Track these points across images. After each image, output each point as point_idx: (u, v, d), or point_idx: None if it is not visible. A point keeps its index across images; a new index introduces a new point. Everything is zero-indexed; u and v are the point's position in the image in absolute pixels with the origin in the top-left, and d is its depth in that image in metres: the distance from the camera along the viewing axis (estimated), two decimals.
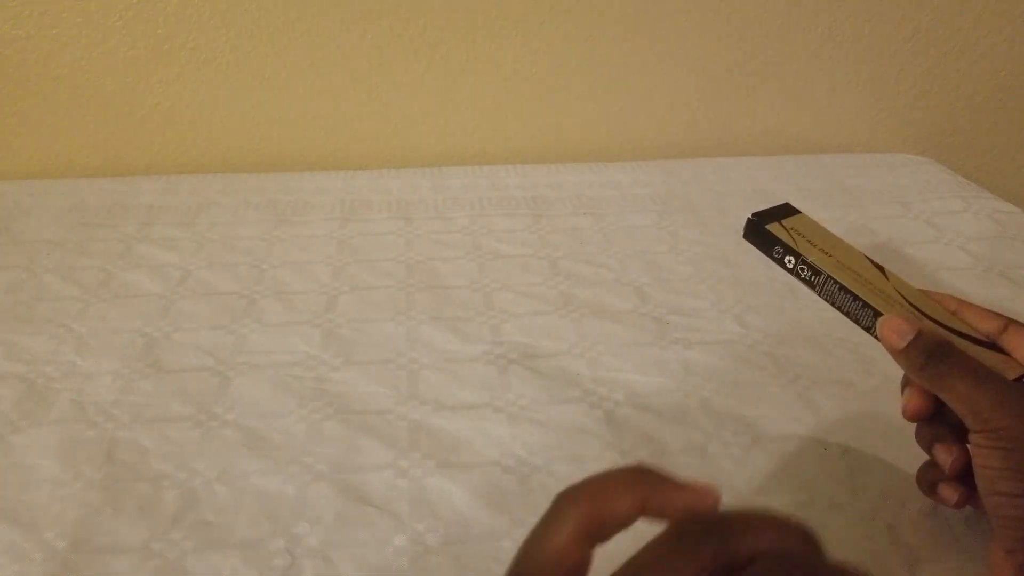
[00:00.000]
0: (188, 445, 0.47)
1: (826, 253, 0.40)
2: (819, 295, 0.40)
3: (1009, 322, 0.38)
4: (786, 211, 0.43)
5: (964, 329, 0.38)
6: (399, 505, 0.43)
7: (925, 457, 0.39)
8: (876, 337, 0.37)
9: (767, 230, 0.41)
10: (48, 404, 0.50)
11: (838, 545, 0.40)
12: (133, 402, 0.51)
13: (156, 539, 0.41)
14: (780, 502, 0.43)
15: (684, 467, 0.45)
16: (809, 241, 0.41)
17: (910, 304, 0.38)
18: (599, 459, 0.46)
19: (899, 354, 0.36)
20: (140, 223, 0.76)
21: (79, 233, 0.74)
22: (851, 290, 0.38)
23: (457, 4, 0.85)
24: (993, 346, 0.37)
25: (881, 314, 0.37)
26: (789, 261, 0.41)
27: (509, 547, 0.40)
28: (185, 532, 0.41)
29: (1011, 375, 0.35)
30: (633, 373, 0.54)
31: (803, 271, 0.40)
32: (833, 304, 0.40)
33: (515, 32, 0.88)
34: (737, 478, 0.45)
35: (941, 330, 0.37)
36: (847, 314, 0.39)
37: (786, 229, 0.42)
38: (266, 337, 0.58)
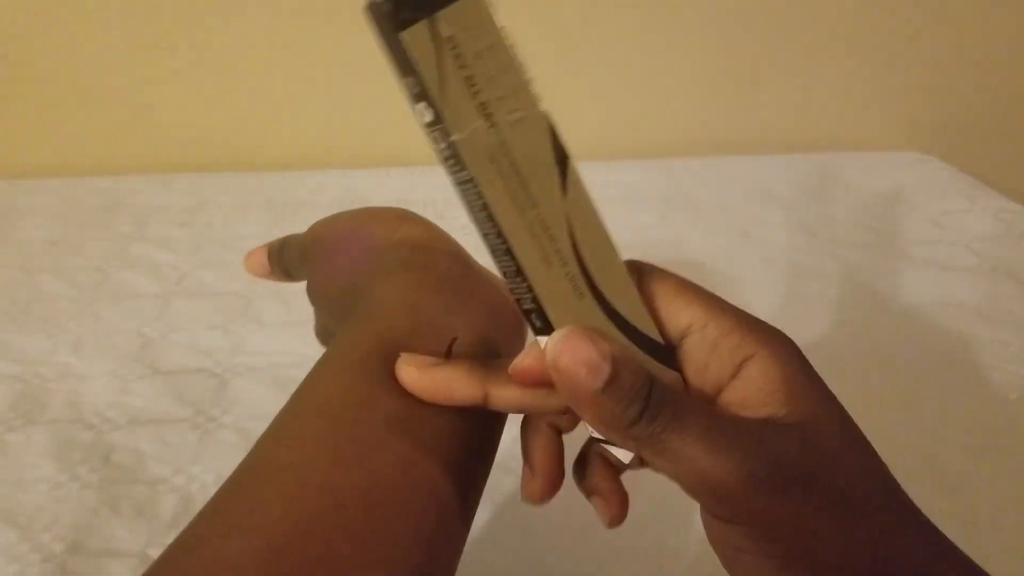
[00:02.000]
0: (185, 448, 0.46)
1: (490, 122, 0.21)
2: (457, 193, 0.22)
3: (711, 318, 0.23)
4: None
5: (638, 324, 0.23)
6: None
7: None
8: (533, 327, 0.22)
9: (400, 40, 0.20)
10: (43, 405, 0.50)
11: None
12: (129, 404, 0.50)
13: (153, 544, 0.40)
14: None
15: None
16: (469, 81, 0.20)
17: (584, 274, 0.22)
18: None
19: (589, 400, 0.21)
20: (137, 222, 0.76)
21: (75, 232, 0.73)
22: (504, 236, 0.21)
23: None
24: (663, 352, 0.23)
25: (545, 311, 0.22)
26: (425, 116, 0.21)
27: (508, 544, 0.39)
28: None
29: (747, 411, 0.22)
30: None
31: (444, 151, 0.21)
32: (477, 227, 0.22)
33: (515, 31, 0.87)
34: None
35: (638, 354, 0.23)
36: (499, 267, 0.22)
37: (439, 37, 0.20)
38: (264, 338, 0.57)
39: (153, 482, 0.44)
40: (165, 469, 0.45)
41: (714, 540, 0.22)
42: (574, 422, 0.25)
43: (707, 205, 0.80)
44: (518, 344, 0.29)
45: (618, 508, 0.25)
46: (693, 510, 0.44)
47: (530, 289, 0.22)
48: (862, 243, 0.72)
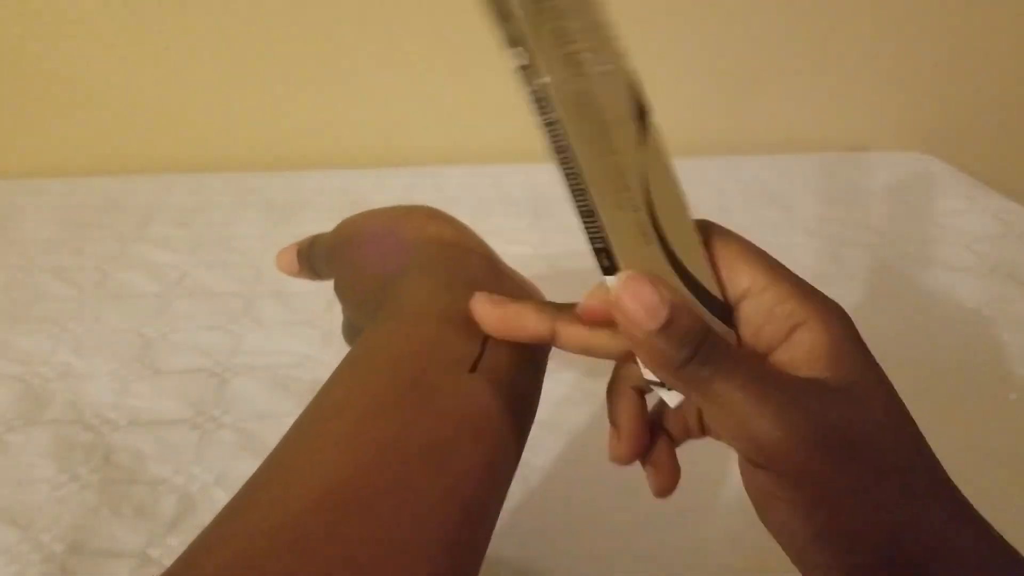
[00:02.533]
0: (185, 448, 0.46)
1: (579, 71, 0.21)
2: (542, 135, 0.22)
3: (770, 283, 0.24)
4: None
5: (700, 278, 0.24)
6: None
7: None
8: (602, 266, 0.23)
9: None
10: (43, 405, 0.50)
11: None
12: (130, 404, 0.50)
13: (153, 544, 0.40)
14: None
15: (688, 461, 0.45)
16: (562, 31, 0.21)
17: (653, 223, 0.23)
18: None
19: (645, 340, 0.22)
20: (137, 222, 0.76)
21: (75, 233, 0.73)
22: (582, 177, 0.22)
23: (458, 4, 0.84)
24: (721, 310, 0.24)
25: (613, 253, 0.23)
26: (520, 59, 0.21)
27: (514, 540, 0.39)
28: (183, 538, 0.40)
29: (795, 372, 0.23)
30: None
31: (534, 93, 0.21)
32: (558, 168, 0.22)
33: None
34: (738, 476, 0.44)
35: (697, 305, 0.24)
36: (576, 207, 0.23)
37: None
38: (264, 338, 0.57)
39: (153, 482, 0.44)
40: (165, 469, 0.45)
41: (748, 484, 0.23)
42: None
43: (707, 205, 0.80)
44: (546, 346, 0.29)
45: (668, 478, 0.28)
46: (693, 509, 0.44)
47: (600, 230, 0.23)
48: (862, 243, 0.72)
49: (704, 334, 0.22)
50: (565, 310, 0.26)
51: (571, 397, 0.51)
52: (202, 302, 0.62)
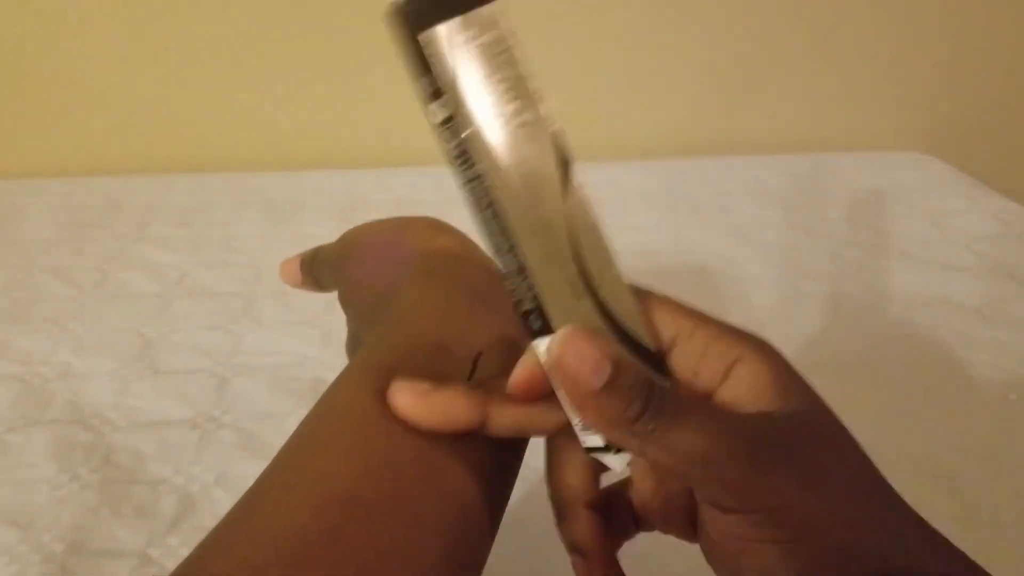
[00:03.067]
0: (185, 448, 0.46)
1: (500, 115, 0.21)
2: (464, 193, 0.22)
3: (697, 327, 0.24)
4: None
5: (633, 330, 0.23)
6: None
7: None
8: (529, 330, 0.22)
9: (417, 42, 0.21)
10: (44, 404, 0.50)
11: None
12: (130, 404, 0.50)
13: (154, 544, 0.40)
14: None
15: None
16: (480, 83, 0.21)
17: (583, 277, 0.23)
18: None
19: (592, 400, 0.21)
20: (137, 223, 0.76)
21: (75, 233, 0.73)
22: (508, 234, 0.22)
23: None
24: (655, 359, 0.23)
25: (545, 311, 0.22)
26: (437, 116, 0.21)
27: (511, 545, 0.39)
28: (183, 538, 0.40)
29: (741, 409, 0.22)
30: None
31: (454, 149, 0.21)
32: (482, 227, 0.22)
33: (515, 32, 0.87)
34: None
35: (633, 358, 0.23)
36: (503, 266, 0.22)
37: (456, 40, 0.21)
38: (264, 338, 0.57)
39: (153, 482, 0.44)
40: (165, 469, 0.45)
41: (719, 537, 0.22)
42: (587, 472, 0.25)
43: (707, 205, 0.80)
44: None
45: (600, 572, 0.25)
46: None
47: (531, 288, 0.22)
48: (862, 243, 0.72)
49: (651, 386, 0.21)
50: (496, 389, 0.24)
51: None
52: (202, 302, 0.62)
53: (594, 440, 0.23)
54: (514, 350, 0.26)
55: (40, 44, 0.82)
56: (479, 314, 0.27)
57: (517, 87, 0.22)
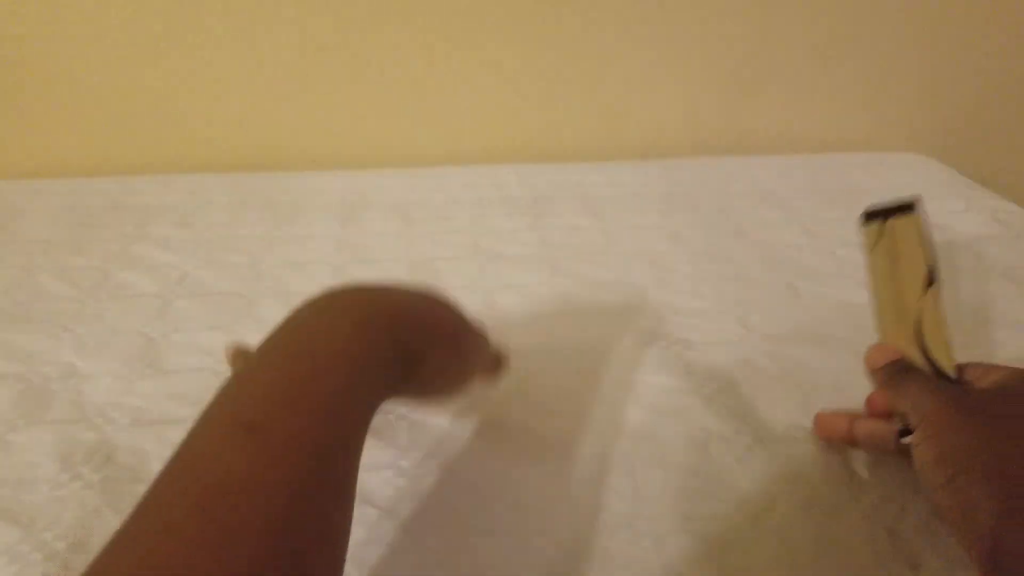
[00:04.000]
0: None
1: (891, 259, 0.45)
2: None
3: (998, 368, 0.39)
4: (905, 208, 0.46)
5: (940, 362, 0.41)
6: (399, 505, 0.42)
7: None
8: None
9: (862, 229, 0.48)
10: (46, 404, 0.50)
11: (839, 548, 0.39)
12: (132, 403, 0.50)
13: None
14: (781, 503, 0.43)
15: (685, 466, 0.45)
16: (889, 245, 0.46)
17: (915, 331, 0.42)
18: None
19: (875, 372, 0.41)
20: (138, 223, 0.76)
21: (76, 233, 0.74)
22: (877, 310, 0.45)
23: (458, 4, 0.85)
24: (948, 376, 0.41)
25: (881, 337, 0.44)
26: (867, 249, 0.47)
27: (521, 543, 0.40)
28: None
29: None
30: (635, 373, 0.54)
31: (869, 265, 0.47)
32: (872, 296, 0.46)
33: (516, 32, 0.87)
34: (739, 478, 0.45)
35: (928, 367, 0.41)
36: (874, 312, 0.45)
37: (878, 230, 0.47)
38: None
39: None
40: None
41: (913, 442, 0.35)
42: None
43: (707, 205, 0.81)
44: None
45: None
46: (692, 517, 0.44)
47: (880, 335, 0.44)
48: (860, 243, 0.72)
49: (905, 367, 0.40)
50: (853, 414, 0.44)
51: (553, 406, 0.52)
52: (203, 302, 0.62)
53: (897, 424, 0.41)
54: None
55: (41, 44, 0.82)
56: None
57: (910, 244, 0.45)
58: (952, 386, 0.38)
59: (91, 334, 0.58)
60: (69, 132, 0.89)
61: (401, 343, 0.34)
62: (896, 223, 0.46)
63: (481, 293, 0.64)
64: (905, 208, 0.46)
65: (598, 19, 0.88)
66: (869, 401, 0.43)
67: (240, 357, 0.40)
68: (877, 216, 0.47)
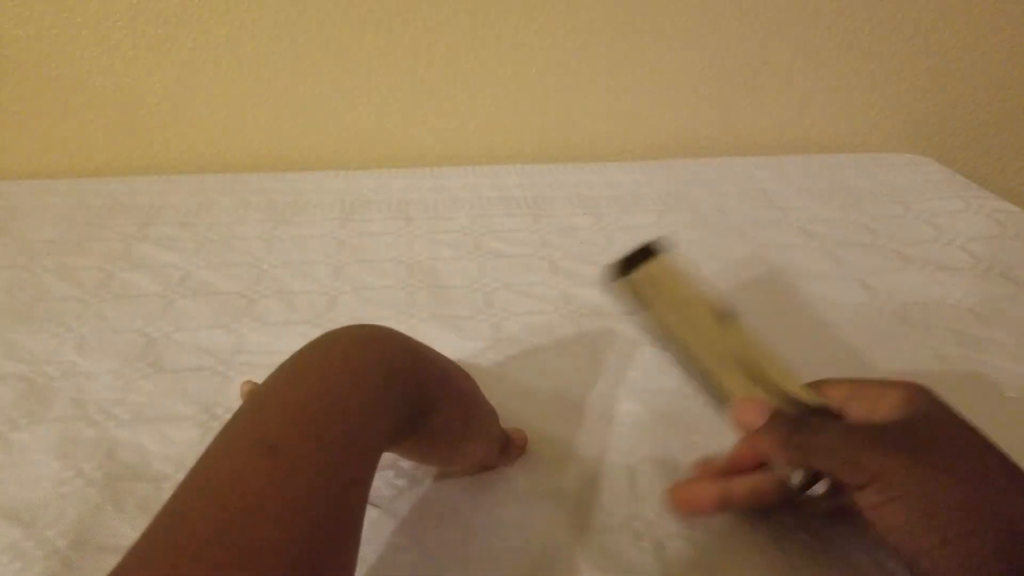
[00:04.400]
0: (189, 446, 0.47)
1: (674, 309, 0.40)
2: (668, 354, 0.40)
3: (864, 385, 0.35)
4: (647, 253, 0.42)
5: (796, 397, 0.36)
6: (399, 505, 0.43)
7: None
8: (722, 410, 0.37)
9: (615, 285, 0.41)
10: (48, 402, 0.50)
11: (837, 554, 0.40)
12: (134, 401, 0.51)
13: None
14: (779, 509, 0.43)
15: (684, 468, 0.45)
16: (658, 294, 0.40)
17: (746, 372, 0.38)
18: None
19: (759, 433, 0.34)
20: (140, 223, 0.76)
21: (79, 233, 0.74)
22: (694, 363, 0.38)
23: (458, 5, 0.85)
24: (822, 414, 0.36)
25: (726, 393, 0.37)
26: (638, 319, 0.40)
27: (519, 546, 0.40)
28: None
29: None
30: (634, 373, 0.54)
31: (650, 334, 0.40)
32: (673, 357, 0.39)
33: (516, 32, 0.87)
34: None
35: (796, 410, 0.36)
36: (692, 379, 0.39)
37: (639, 280, 0.41)
38: (266, 337, 0.58)
39: (157, 479, 0.44)
40: (169, 466, 0.45)
41: (865, 511, 0.30)
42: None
43: (707, 205, 0.81)
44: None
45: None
46: (691, 522, 0.44)
47: (715, 391, 0.37)
48: (859, 243, 0.72)
49: (797, 417, 0.34)
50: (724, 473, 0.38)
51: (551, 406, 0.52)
52: (205, 302, 0.63)
53: (796, 478, 0.34)
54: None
55: (43, 45, 0.83)
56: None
57: (678, 288, 0.41)
58: (874, 429, 0.31)
59: (93, 333, 0.58)
60: (72, 132, 0.89)
61: (417, 385, 0.34)
62: (650, 269, 0.41)
63: (481, 293, 0.64)
64: (647, 252, 0.42)
65: (598, 19, 0.88)
66: (737, 458, 0.38)
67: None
68: (628, 269, 0.41)
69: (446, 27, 0.86)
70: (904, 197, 0.82)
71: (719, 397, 0.36)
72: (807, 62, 0.94)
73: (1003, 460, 0.29)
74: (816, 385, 0.36)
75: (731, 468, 0.38)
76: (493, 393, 0.46)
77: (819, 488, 0.34)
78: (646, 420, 0.49)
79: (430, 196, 0.82)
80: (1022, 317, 0.60)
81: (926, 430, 0.30)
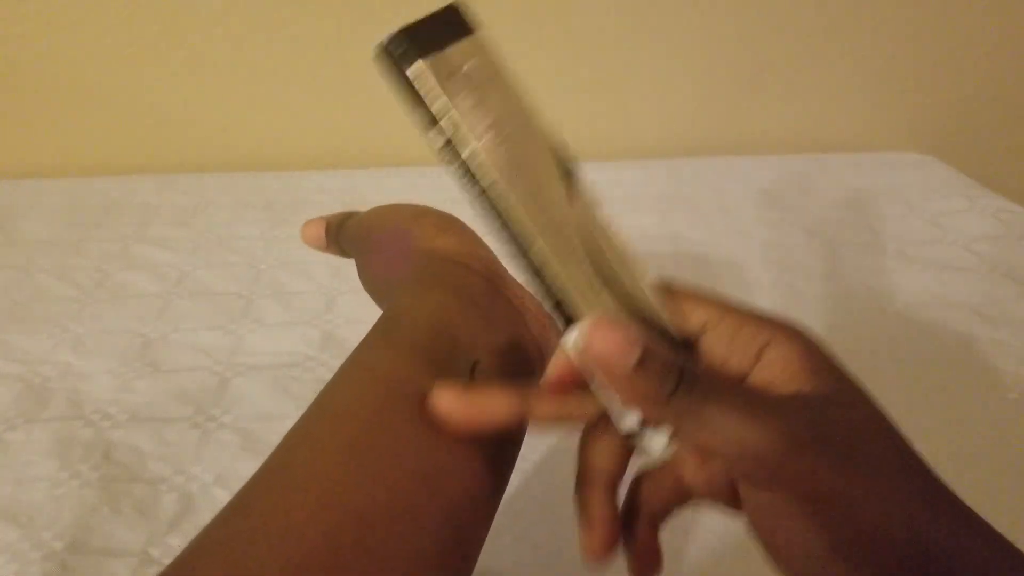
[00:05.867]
0: (186, 447, 0.46)
1: (499, 140, 0.22)
2: (472, 202, 0.23)
3: (724, 314, 0.24)
4: (453, 29, 0.23)
5: (651, 315, 0.24)
6: None
7: None
8: (560, 326, 0.23)
9: (407, 78, 0.22)
10: (44, 403, 0.50)
11: None
12: (130, 402, 0.50)
13: (154, 544, 0.40)
14: None
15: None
16: (469, 103, 0.22)
17: (599, 273, 0.24)
18: None
19: (626, 379, 0.21)
20: (137, 223, 0.76)
21: (75, 233, 0.73)
22: (526, 239, 0.23)
23: None
24: (679, 348, 0.24)
25: (572, 301, 0.23)
26: (437, 141, 0.22)
27: (528, 550, 0.39)
28: (183, 538, 0.40)
29: (774, 391, 0.23)
30: None
31: (458, 170, 0.22)
32: (494, 237, 0.23)
33: (516, 31, 0.87)
34: None
35: (659, 344, 0.22)
36: (511, 257, 0.23)
37: (440, 69, 0.22)
38: (264, 338, 0.57)
39: (153, 481, 0.44)
40: (165, 468, 0.45)
41: (753, 513, 0.22)
42: (618, 456, 0.25)
43: (707, 205, 0.80)
44: (541, 371, 0.28)
45: (651, 562, 0.25)
46: (695, 524, 0.44)
47: (550, 288, 0.23)
48: (861, 243, 0.72)
49: (681, 363, 0.21)
50: (531, 387, 0.24)
51: None
52: (202, 302, 0.62)
53: (631, 424, 0.24)
54: (509, 358, 0.27)
55: (41, 45, 0.82)
56: (474, 325, 0.27)
57: (509, 106, 0.23)
58: (784, 413, 0.21)
59: (90, 334, 0.58)
60: (69, 132, 0.89)
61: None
62: (460, 52, 0.22)
63: None
64: (452, 24, 0.23)
65: (598, 19, 0.88)
66: (552, 380, 0.24)
67: (332, 231, 0.39)
68: (423, 48, 0.22)
69: None
70: (907, 196, 0.82)
71: (562, 303, 0.23)
72: (810, 61, 0.94)
73: (924, 469, 0.22)
74: (667, 291, 0.25)
75: (548, 386, 0.25)
76: None
77: (659, 447, 0.24)
78: None
79: (430, 196, 0.82)
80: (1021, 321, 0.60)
81: (845, 422, 0.22)
